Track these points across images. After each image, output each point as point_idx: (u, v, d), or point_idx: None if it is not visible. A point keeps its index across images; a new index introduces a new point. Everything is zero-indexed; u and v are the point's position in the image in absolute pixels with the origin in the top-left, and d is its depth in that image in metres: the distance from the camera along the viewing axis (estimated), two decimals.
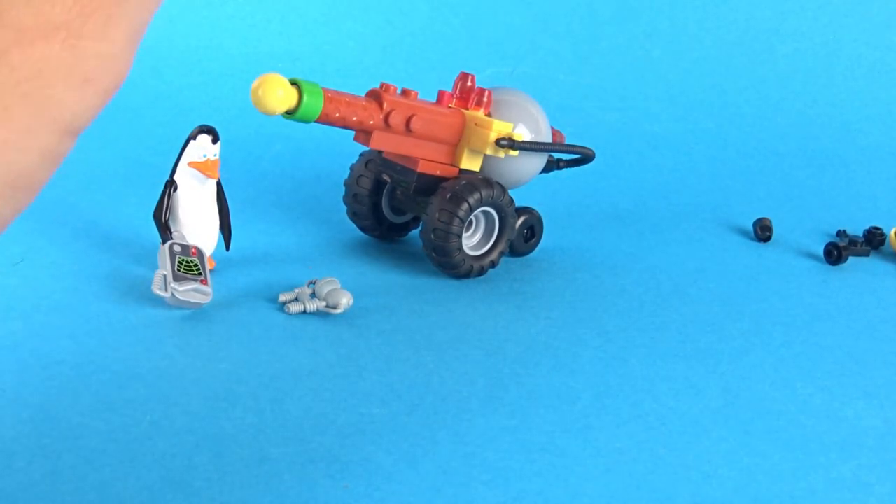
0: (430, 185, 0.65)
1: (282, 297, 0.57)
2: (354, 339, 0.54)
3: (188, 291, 0.54)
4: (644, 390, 0.51)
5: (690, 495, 0.41)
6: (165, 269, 0.54)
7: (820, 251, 0.81)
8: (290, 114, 0.55)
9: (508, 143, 0.64)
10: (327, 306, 0.56)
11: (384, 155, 0.67)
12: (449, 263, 0.64)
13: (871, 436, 0.48)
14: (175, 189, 0.59)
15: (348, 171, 0.70)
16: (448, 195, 0.63)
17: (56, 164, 0.24)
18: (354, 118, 0.58)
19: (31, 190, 0.24)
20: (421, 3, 1.11)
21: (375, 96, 0.60)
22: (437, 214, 0.63)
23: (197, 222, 0.59)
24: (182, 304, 0.54)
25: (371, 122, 0.59)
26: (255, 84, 0.54)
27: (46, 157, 0.23)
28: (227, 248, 0.62)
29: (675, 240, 0.82)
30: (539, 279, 0.68)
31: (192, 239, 0.59)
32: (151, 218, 0.59)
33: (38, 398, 0.43)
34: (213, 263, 0.62)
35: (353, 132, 0.61)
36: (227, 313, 0.56)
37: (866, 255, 0.82)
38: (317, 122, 0.57)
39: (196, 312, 0.55)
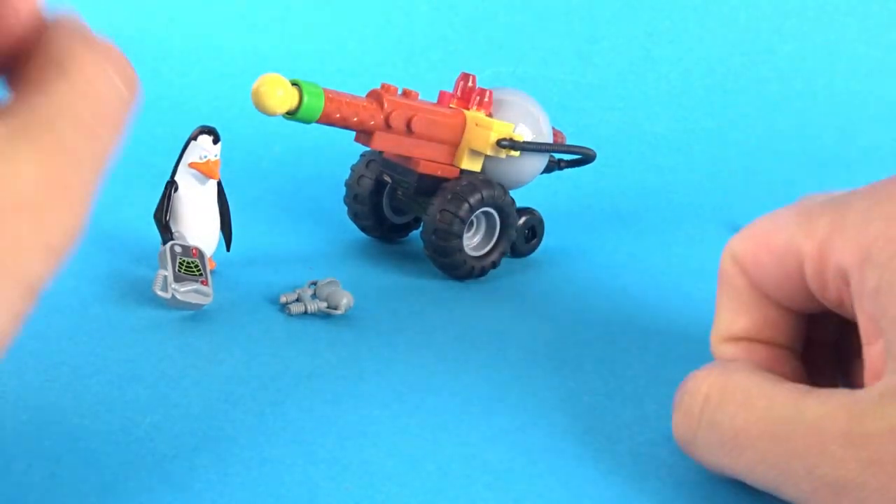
0: (430, 186, 0.65)
1: (283, 298, 0.57)
2: (355, 340, 0.54)
3: (189, 292, 0.53)
4: (646, 392, 0.51)
5: (692, 497, 0.41)
6: (166, 269, 0.54)
7: None
8: (290, 114, 0.55)
9: (509, 143, 0.64)
10: (328, 307, 0.56)
11: (385, 155, 0.67)
12: (450, 264, 0.64)
13: None
14: (176, 190, 0.59)
15: (349, 172, 0.70)
16: (449, 196, 0.63)
17: (20, 321, 0.26)
18: (355, 119, 0.58)
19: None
20: (421, 3, 1.11)
21: (376, 97, 0.60)
22: (437, 215, 0.63)
23: (198, 223, 0.59)
24: (183, 305, 0.54)
25: (372, 123, 0.59)
26: (255, 84, 0.54)
27: (13, 315, 0.26)
28: (228, 249, 0.62)
29: (676, 240, 0.82)
30: (540, 280, 0.68)
31: (192, 240, 0.58)
32: (152, 218, 0.59)
33: (38, 400, 0.43)
34: (214, 264, 0.62)
35: (353, 133, 0.61)
36: (228, 314, 0.56)
37: None
38: (317, 122, 0.57)
39: (196, 313, 0.55)
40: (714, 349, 0.44)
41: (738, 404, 0.34)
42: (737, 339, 0.43)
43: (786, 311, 0.42)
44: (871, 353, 0.34)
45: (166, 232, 0.58)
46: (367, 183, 0.69)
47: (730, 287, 0.42)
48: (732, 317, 0.43)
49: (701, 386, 0.35)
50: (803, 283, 0.39)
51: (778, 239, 0.39)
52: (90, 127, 0.27)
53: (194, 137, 0.58)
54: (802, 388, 0.35)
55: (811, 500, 0.32)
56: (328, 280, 0.58)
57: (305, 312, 0.56)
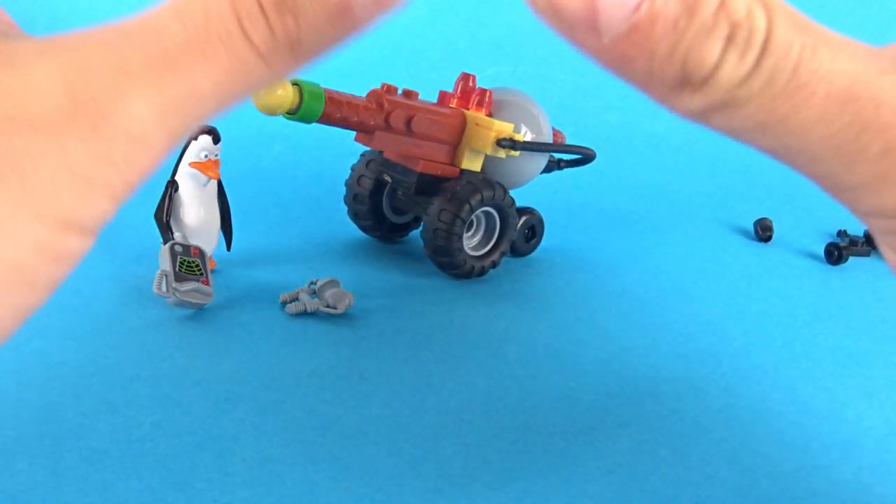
0: (431, 186, 0.65)
1: (283, 298, 0.57)
2: (355, 340, 0.54)
3: (189, 292, 0.53)
4: (645, 391, 0.51)
5: (692, 496, 0.41)
6: (167, 269, 0.54)
7: (820, 251, 0.81)
8: (291, 114, 0.55)
9: (509, 143, 0.64)
10: (328, 307, 0.56)
11: (385, 155, 0.67)
12: (450, 264, 0.64)
13: (871, 437, 0.48)
14: (176, 189, 0.59)
15: (349, 172, 0.70)
16: (449, 196, 0.63)
17: (64, 259, 0.22)
18: (355, 118, 0.58)
19: (32, 285, 0.22)
20: (421, 3, 1.11)
21: (376, 97, 0.60)
22: (438, 215, 0.63)
23: (198, 222, 0.59)
24: (183, 305, 0.54)
25: (372, 123, 0.59)
26: None
27: (45, 250, 0.22)
28: (228, 249, 0.62)
29: (676, 240, 0.82)
30: (540, 279, 0.68)
31: (193, 239, 0.59)
32: (152, 218, 0.59)
33: (40, 399, 0.43)
34: (215, 263, 0.62)
35: (353, 132, 0.61)
36: (229, 314, 0.56)
37: (867, 255, 0.82)
38: (318, 122, 0.57)
39: (197, 313, 0.55)
40: None
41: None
42: None
43: None
44: None
45: (167, 231, 0.58)
46: (367, 183, 0.69)
47: None
48: None
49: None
50: None
51: None
52: (164, 53, 0.21)
53: (194, 137, 0.58)
54: None
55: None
56: (328, 280, 0.58)
57: (305, 312, 0.56)
